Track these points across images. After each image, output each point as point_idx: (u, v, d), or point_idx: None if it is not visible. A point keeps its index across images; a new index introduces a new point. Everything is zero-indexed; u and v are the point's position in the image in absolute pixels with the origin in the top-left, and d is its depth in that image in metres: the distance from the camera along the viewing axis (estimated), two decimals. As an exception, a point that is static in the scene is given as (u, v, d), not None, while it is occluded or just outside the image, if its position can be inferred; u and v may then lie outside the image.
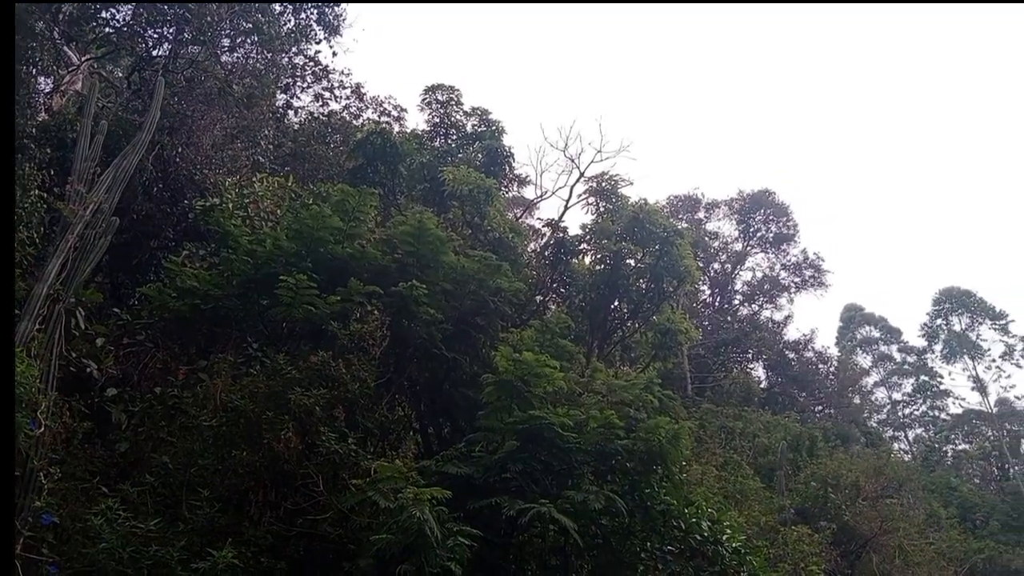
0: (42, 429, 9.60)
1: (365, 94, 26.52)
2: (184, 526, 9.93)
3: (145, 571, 9.04)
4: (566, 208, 23.67)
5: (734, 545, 13.01)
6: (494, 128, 23.94)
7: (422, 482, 9.95)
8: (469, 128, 24.40)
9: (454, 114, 24.64)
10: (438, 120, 24.71)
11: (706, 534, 12.75)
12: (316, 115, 25.15)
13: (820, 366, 53.72)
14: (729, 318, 52.24)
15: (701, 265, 48.56)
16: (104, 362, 11.91)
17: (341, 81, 25.66)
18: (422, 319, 12.60)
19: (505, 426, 11.53)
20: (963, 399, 56.02)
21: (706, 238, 52.47)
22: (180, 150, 16.60)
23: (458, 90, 25.53)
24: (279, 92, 22.72)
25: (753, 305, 55.35)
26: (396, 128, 24.82)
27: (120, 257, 15.15)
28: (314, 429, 10.71)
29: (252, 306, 12.65)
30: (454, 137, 24.19)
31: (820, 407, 49.45)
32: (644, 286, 20.58)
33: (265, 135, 20.34)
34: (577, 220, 22.95)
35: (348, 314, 12.05)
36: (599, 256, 20.33)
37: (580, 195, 22.54)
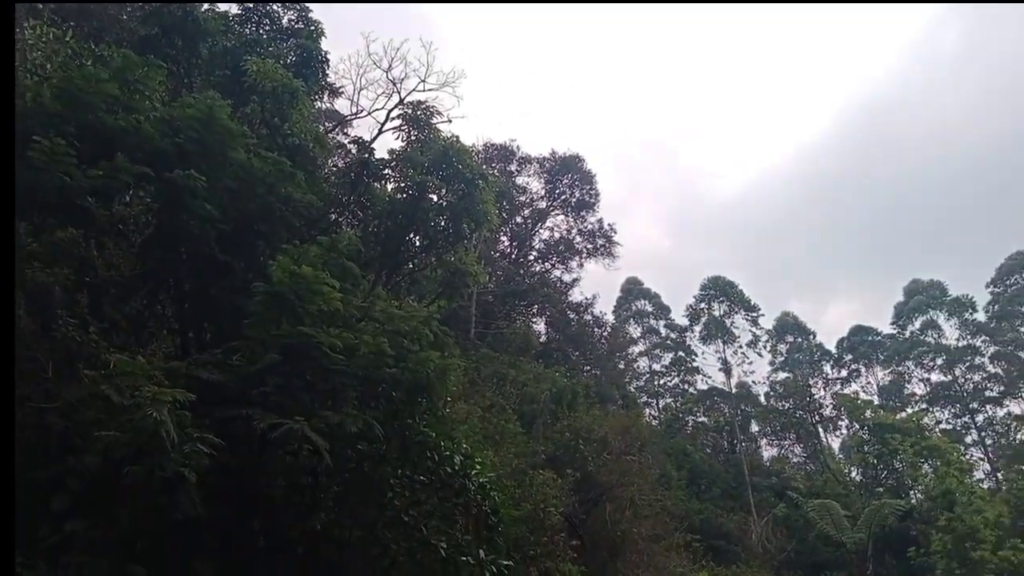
0: None
1: (171, -41, 23.74)
2: None
3: None
4: (380, 131, 22.97)
5: (481, 480, 13.57)
6: (313, 28, 22.27)
7: (167, 383, 9.32)
8: (285, 22, 22.49)
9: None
10: (251, 4, 22.58)
11: (457, 468, 13.18)
12: (112, -30, 22.24)
13: (596, 330, 57.25)
14: (522, 272, 53.97)
15: (505, 216, 49.65)
16: None
17: (141, -63, 22.74)
18: (197, 214, 11.64)
19: (270, 338, 11.06)
20: (710, 377, 62.32)
21: (514, 191, 53.50)
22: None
23: (277, -25, 23.36)
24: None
25: (546, 263, 57.53)
26: (205, 6, 22.56)
27: None
28: (51, 311, 9.66)
29: (-4, 165, 11.05)
30: (267, 28, 22.21)
31: (589, 367, 52.71)
32: (443, 223, 20.47)
33: (46, -22, 17.67)
34: (389, 147, 22.28)
35: (111, 193, 10.87)
36: (403, 185, 19.89)
37: (394, 118, 21.96)
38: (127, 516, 8.98)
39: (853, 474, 51.34)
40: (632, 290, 66.61)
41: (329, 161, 21.11)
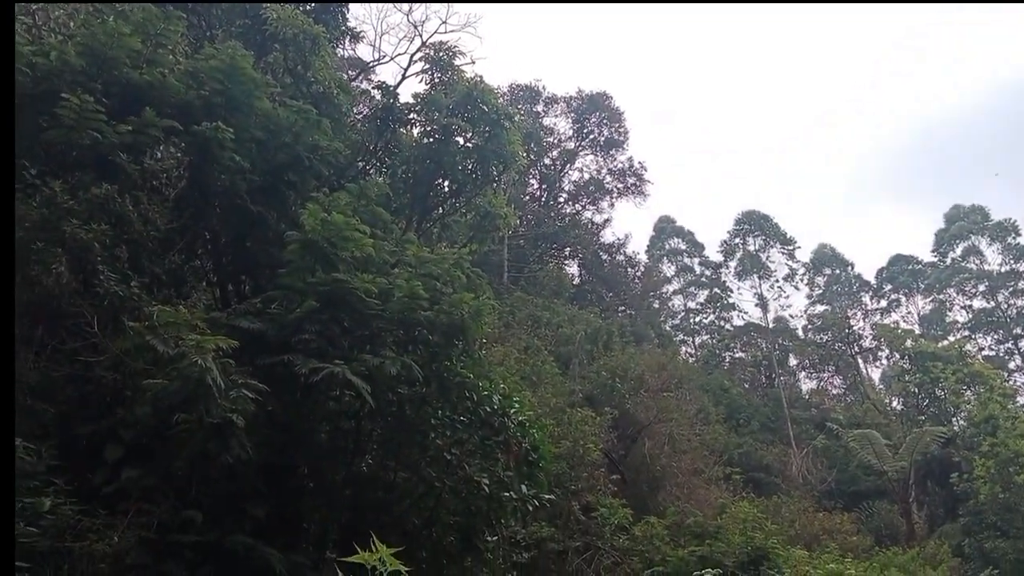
0: None
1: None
2: (-70, 359, 8.90)
3: None
4: (403, 76, 22.75)
5: (520, 419, 13.72)
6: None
7: (209, 333, 9.50)
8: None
9: (285, -52, 22.25)
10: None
11: (496, 407, 13.32)
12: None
13: (629, 270, 57.07)
14: (553, 214, 53.74)
15: (533, 158, 49.25)
16: None
17: None
18: (227, 166, 11.69)
19: (306, 286, 11.17)
20: (746, 313, 61.94)
21: (541, 132, 52.92)
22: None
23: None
24: None
25: (577, 204, 57.17)
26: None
27: None
28: (91, 267, 9.83)
29: (29, 125, 11.14)
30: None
31: (623, 307, 52.69)
32: (470, 167, 20.37)
33: (63, -64, 17.53)
34: (413, 91, 22.03)
35: (141, 148, 10.93)
36: (428, 129, 19.77)
37: (416, 61, 21.69)
38: (180, 463, 9.26)
39: (894, 404, 51.04)
40: (665, 228, 65.91)
41: (354, 108, 20.96)
